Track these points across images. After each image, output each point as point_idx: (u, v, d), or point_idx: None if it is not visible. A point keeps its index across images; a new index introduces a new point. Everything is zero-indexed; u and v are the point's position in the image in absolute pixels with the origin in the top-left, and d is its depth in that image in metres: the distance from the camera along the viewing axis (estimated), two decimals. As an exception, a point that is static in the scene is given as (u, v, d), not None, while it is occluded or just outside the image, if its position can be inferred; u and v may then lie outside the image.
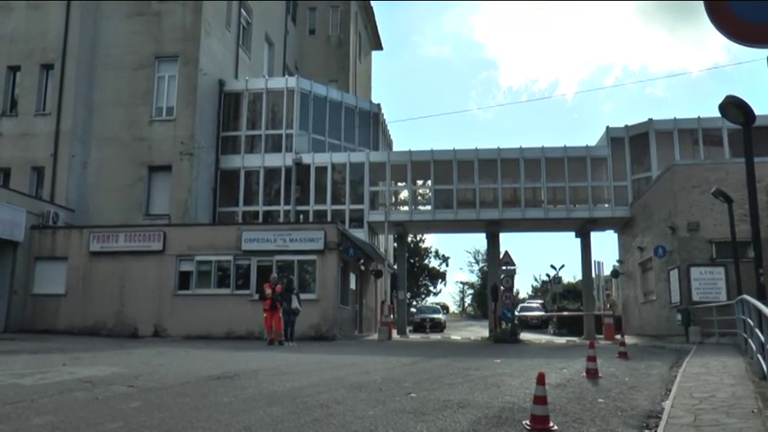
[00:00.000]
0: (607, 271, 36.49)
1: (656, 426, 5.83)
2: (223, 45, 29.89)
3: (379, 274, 31.05)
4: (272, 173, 29.45)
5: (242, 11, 31.85)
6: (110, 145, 27.09)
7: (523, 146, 29.81)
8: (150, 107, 27.44)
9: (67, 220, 25.00)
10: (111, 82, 27.61)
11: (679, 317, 22.37)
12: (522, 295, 71.86)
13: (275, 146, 29.64)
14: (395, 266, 35.55)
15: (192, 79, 27.31)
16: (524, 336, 28.52)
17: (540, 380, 5.70)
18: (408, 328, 34.45)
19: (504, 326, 26.19)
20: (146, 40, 27.76)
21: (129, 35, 27.86)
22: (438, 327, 40.10)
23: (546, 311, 43.53)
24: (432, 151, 30.04)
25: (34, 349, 14.92)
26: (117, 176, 26.72)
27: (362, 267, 28.98)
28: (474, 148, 29.89)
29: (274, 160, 29.34)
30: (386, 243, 32.06)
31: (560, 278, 42.63)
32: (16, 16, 27.97)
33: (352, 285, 27.32)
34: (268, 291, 19.20)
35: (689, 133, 29.06)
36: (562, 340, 28.46)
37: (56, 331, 22.35)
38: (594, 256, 34.51)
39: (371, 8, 45.61)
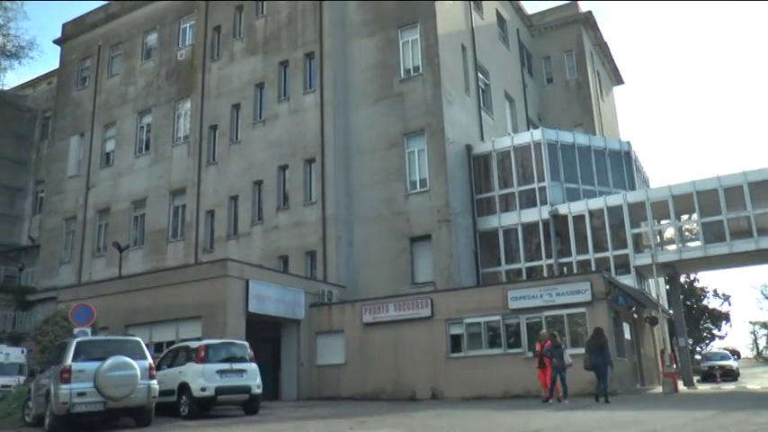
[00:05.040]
0: None
1: None
2: (465, 111, 30.45)
3: (654, 321, 28.45)
4: (529, 228, 28.76)
5: (479, 74, 32.39)
6: (371, 223, 28.47)
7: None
8: (404, 182, 28.45)
9: (340, 296, 26.44)
10: (366, 165, 29.29)
11: None
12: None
13: (529, 201, 29.03)
14: (670, 311, 32.73)
15: (440, 149, 27.96)
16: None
17: None
18: (695, 378, 31.22)
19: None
20: (393, 120, 29.17)
21: (377, 119, 29.52)
22: (730, 375, 35.96)
23: None
24: (693, 182, 27.25)
25: (323, 415, 15.80)
26: (381, 251, 27.85)
27: (635, 315, 26.72)
28: (741, 171, 26.59)
29: (530, 215, 28.69)
30: (656, 287, 29.54)
31: None
32: (282, 123, 31.20)
33: (627, 335, 25.21)
34: (538, 348, 18.91)
35: None
36: None
37: (339, 398, 23.36)
38: None
39: (606, 44, 44.04)
